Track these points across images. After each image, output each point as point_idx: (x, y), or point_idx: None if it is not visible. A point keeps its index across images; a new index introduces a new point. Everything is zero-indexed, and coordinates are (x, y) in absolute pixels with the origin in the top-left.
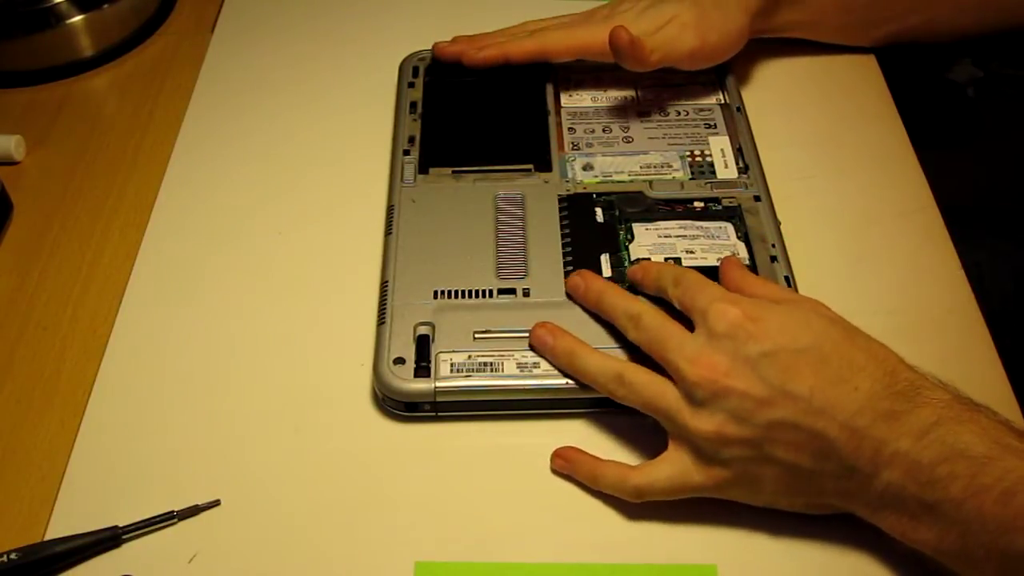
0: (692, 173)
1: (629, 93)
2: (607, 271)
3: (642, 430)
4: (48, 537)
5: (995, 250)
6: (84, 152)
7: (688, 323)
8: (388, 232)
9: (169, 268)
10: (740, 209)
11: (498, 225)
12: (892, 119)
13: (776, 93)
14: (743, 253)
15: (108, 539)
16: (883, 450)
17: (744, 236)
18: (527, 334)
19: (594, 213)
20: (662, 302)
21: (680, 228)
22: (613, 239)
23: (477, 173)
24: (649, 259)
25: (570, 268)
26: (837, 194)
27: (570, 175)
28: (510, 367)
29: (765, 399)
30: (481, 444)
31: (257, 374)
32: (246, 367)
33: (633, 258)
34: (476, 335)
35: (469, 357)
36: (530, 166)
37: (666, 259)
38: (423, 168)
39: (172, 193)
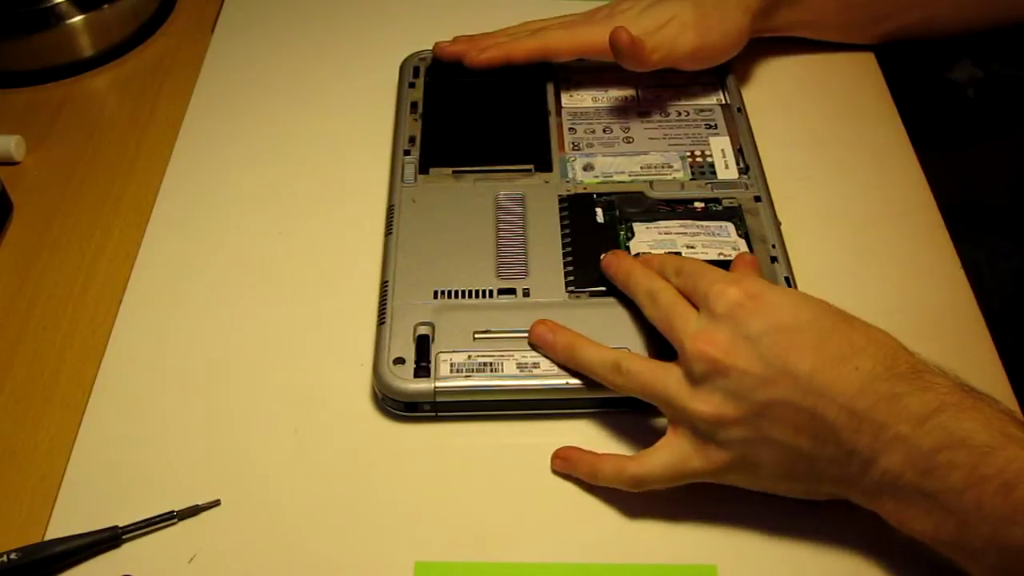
0: (692, 173)
1: (630, 93)
2: None
3: (642, 430)
4: (48, 537)
5: (995, 250)
6: (84, 152)
7: None
8: (388, 232)
9: (169, 268)
10: (740, 209)
11: (498, 225)
12: (892, 119)
13: (776, 93)
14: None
15: (108, 539)
16: (882, 434)
17: (744, 236)
18: (527, 334)
19: (594, 213)
20: None
21: (681, 227)
22: (613, 239)
23: (477, 173)
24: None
25: (570, 268)
26: (837, 194)
27: (570, 175)
28: (510, 367)
29: (764, 377)
30: (481, 444)
31: (257, 374)
32: (246, 367)
33: (633, 253)
34: (476, 335)
35: (469, 357)
36: (531, 166)
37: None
38: (423, 168)
39: (172, 193)
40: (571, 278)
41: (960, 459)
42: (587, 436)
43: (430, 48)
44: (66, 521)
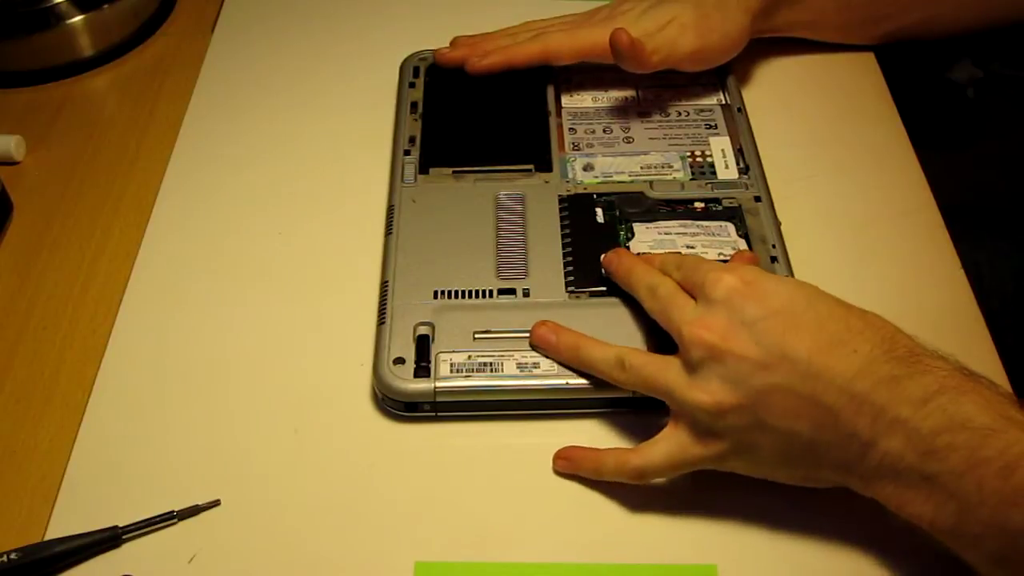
0: (693, 173)
1: (630, 93)
2: None
3: (642, 430)
4: (48, 537)
5: (995, 250)
6: (84, 152)
7: None
8: (388, 232)
9: (169, 268)
10: (741, 210)
11: (498, 225)
12: (892, 119)
13: (776, 93)
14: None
15: (108, 539)
16: (882, 417)
17: (744, 236)
18: (527, 334)
19: (595, 213)
20: None
21: (681, 227)
22: (613, 239)
23: (478, 173)
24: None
25: (570, 268)
26: (837, 194)
27: (571, 175)
28: (510, 367)
29: (762, 362)
30: (481, 444)
31: (257, 374)
32: (246, 367)
33: (634, 253)
34: (476, 335)
35: (469, 357)
36: (531, 166)
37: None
38: (424, 168)
39: (172, 193)
40: (571, 278)
41: (960, 441)
42: (587, 436)
43: (430, 48)
44: (66, 521)
